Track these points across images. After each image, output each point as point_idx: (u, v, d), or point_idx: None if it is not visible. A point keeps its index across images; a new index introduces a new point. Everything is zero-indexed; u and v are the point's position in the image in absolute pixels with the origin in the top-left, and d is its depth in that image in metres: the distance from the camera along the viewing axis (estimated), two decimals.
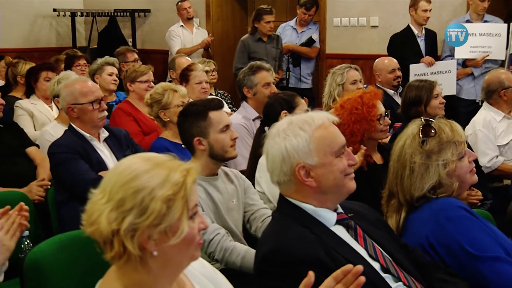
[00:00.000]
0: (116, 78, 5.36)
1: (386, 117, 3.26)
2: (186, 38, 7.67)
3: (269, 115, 3.55)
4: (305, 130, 2.01)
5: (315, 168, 2.00)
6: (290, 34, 7.34)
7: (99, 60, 5.47)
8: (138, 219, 1.42)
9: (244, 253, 2.62)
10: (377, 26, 7.27)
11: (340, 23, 7.48)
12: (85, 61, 6.16)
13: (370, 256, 2.01)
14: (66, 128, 3.60)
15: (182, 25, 7.76)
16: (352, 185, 2.07)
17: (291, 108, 3.47)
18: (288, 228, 1.99)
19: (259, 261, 1.97)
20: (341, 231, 2.04)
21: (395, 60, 5.54)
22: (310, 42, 7.30)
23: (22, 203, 2.24)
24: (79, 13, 9.16)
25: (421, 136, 2.33)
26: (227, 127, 2.84)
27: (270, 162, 2.06)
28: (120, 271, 1.50)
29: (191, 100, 3.83)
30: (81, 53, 6.97)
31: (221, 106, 2.88)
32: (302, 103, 3.58)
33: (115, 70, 5.41)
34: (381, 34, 7.15)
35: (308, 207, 2.02)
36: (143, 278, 1.50)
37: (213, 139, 2.80)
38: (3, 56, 6.88)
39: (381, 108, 3.26)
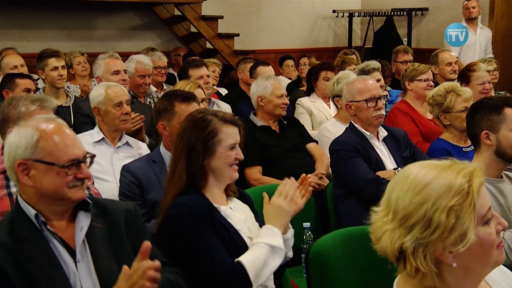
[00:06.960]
0: (383, 84, 5.25)
1: None
2: (469, 39, 7.32)
3: None
4: None
5: None
6: None
7: (369, 66, 5.18)
8: (423, 234, 1.36)
9: None
10: None
11: None
12: None
13: None
14: (345, 126, 3.72)
15: (465, 25, 7.46)
16: None
17: None
18: None
19: None
20: None
21: None
22: None
23: (303, 174, 2.44)
24: (356, 14, 9.41)
25: None
26: None
27: None
28: (414, 280, 1.44)
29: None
30: (357, 53, 7.07)
31: None
32: None
33: (379, 75, 5.23)
34: None
35: None
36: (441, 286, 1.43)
37: (503, 135, 2.65)
38: (290, 55, 7.38)
39: None
